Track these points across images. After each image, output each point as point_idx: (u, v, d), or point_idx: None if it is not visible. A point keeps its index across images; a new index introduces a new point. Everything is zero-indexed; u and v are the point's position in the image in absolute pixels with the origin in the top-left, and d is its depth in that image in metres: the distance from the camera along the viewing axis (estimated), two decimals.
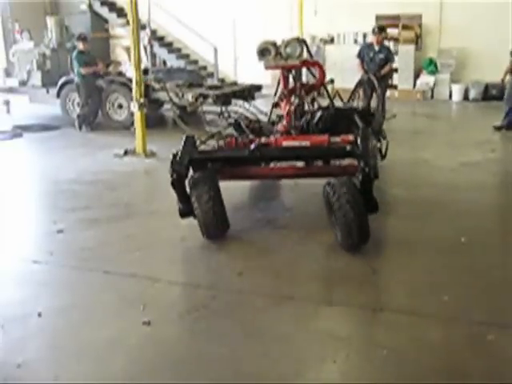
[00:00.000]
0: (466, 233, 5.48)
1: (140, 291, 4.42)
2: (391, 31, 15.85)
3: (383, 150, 6.49)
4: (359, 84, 8.88)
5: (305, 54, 6.78)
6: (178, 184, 5.34)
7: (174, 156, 5.44)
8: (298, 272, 4.72)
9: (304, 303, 4.18)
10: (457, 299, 4.18)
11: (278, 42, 6.23)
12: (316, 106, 6.97)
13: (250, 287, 4.44)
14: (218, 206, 5.29)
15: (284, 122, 6.30)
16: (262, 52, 6.21)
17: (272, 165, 6.23)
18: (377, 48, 10.69)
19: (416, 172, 7.99)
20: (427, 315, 3.97)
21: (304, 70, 8.03)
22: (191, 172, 5.60)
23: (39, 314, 4.03)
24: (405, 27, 16.12)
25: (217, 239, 5.42)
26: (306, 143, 5.78)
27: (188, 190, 5.37)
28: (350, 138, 5.66)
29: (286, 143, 5.81)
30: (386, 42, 12.24)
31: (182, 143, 5.64)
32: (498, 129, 10.77)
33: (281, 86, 6.66)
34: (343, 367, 3.44)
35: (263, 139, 5.88)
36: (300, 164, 6.19)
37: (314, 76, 7.63)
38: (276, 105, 7.00)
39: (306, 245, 5.31)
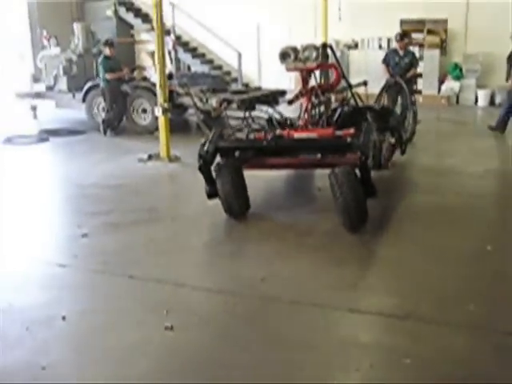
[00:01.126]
0: (492, 241, 5.41)
1: (163, 296, 4.44)
2: (416, 36, 15.75)
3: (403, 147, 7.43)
4: (385, 88, 9.17)
5: (319, 58, 7.16)
6: (204, 169, 6.21)
7: (202, 145, 6.23)
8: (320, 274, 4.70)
9: (327, 309, 4.15)
10: (483, 308, 4.13)
11: (298, 47, 6.90)
12: (334, 103, 7.62)
13: (273, 293, 4.43)
14: (239, 189, 6.11)
15: (304, 117, 6.92)
16: (283, 56, 6.94)
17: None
18: (401, 53, 10.93)
19: (441, 179, 7.90)
20: (452, 324, 3.92)
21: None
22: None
23: (63, 318, 4.06)
24: (430, 32, 16.01)
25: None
26: (313, 135, 6.39)
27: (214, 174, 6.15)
28: (351, 131, 6.20)
29: (297, 135, 6.37)
30: (411, 48, 12.35)
31: (211, 134, 6.39)
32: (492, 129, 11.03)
33: (299, 85, 7.21)
34: (366, 376, 3.40)
35: (278, 131, 6.46)
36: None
37: (345, 77, 7.94)
38: (290, 102, 7.53)
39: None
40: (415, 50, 13.98)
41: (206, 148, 6.22)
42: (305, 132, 6.53)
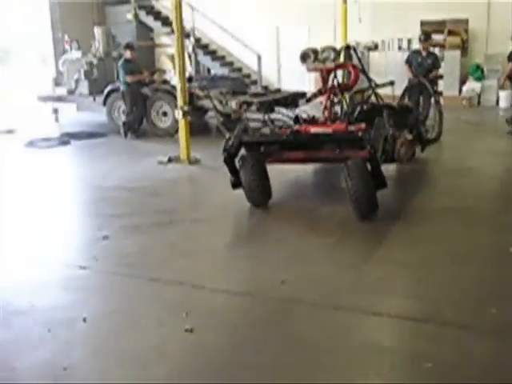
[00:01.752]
0: None
1: (183, 298, 4.45)
2: (436, 37, 15.63)
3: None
4: (407, 88, 9.40)
5: (337, 58, 7.76)
6: (228, 161, 6.71)
7: (227, 139, 6.70)
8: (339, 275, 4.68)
9: (348, 312, 4.13)
10: (505, 311, 4.07)
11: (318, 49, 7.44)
12: (354, 102, 7.91)
13: (293, 295, 4.42)
14: (261, 180, 6.60)
15: (325, 114, 7.38)
16: (304, 57, 7.53)
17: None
18: (424, 54, 11.10)
19: (462, 180, 7.83)
20: (475, 328, 3.88)
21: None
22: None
23: (84, 319, 4.10)
24: (451, 33, 15.85)
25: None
26: (328, 130, 6.68)
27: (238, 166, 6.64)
28: (363, 126, 6.51)
29: (313, 130, 6.68)
30: (431, 48, 12.39)
31: (236, 129, 6.85)
32: None
33: (317, 84, 7.85)
34: (387, 380, 3.37)
35: (296, 127, 6.88)
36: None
37: (369, 78, 8.29)
38: (308, 100, 8.20)
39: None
40: (435, 50, 13.92)
41: (230, 142, 6.67)
42: (320, 127, 6.86)
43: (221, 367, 3.51)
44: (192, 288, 4.61)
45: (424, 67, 10.93)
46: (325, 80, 7.62)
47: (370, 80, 8.10)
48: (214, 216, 6.55)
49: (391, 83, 8.48)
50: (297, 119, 7.39)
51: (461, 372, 3.38)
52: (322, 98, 7.67)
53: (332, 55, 7.44)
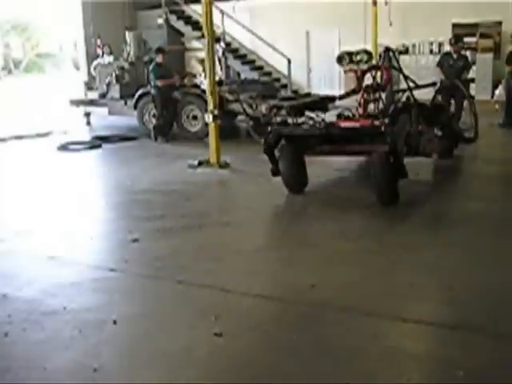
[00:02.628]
0: None
1: (212, 302, 4.45)
2: (469, 40, 15.42)
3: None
4: (439, 90, 9.69)
5: (370, 60, 8.47)
6: (268, 152, 7.48)
7: (269, 132, 7.47)
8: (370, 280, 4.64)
9: (378, 318, 4.09)
10: None
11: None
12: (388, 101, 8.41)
13: (323, 300, 4.39)
14: (297, 169, 7.40)
15: (359, 111, 7.91)
16: (340, 59, 8.34)
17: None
18: (455, 56, 11.39)
19: (498, 186, 7.71)
20: (508, 336, 3.79)
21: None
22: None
23: (114, 321, 4.12)
24: (483, 36, 15.65)
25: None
26: (356, 125, 7.25)
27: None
28: (386, 121, 6.93)
29: (343, 124, 7.29)
30: (463, 52, 12.47)
31: (277, 122, 7.58)
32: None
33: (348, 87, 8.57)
34: None
35: (329, 121, 7.45)
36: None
37: (406, 78, 8.80)
38: (341, 98, 8.81)
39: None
40: (467, 53, 13.88)
41: (270, 135, 7.44)
42: (349, 122, 7.41)
43: (249, 372, 3.49)
44: (221, 291, 4.61)
45: (455, 69, 11.10)
46: (359, 80, 8.19)
47: (407, 80, 8.57)
48: (243, 219, 6.56)
49: (433, 84, 9.14)
50: (339, 115, 7.86)
51: (494, 381, 3.31)
52: (357, 97, 8.21)
53: (365, 57, 8.11)
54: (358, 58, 8.11)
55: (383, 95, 8.39)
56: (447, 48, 12.01)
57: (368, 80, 8.35)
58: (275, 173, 7.54)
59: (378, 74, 8.44)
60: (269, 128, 7.49)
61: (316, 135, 7.40)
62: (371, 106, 8.17)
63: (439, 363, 3.55)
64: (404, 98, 8.31)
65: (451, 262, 5.08)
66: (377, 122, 6.98)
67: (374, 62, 8.76)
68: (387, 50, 8.84)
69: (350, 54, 8.18)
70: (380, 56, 8.56)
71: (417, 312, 4.20)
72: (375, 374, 3.44)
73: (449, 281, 4.66)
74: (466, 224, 6.12)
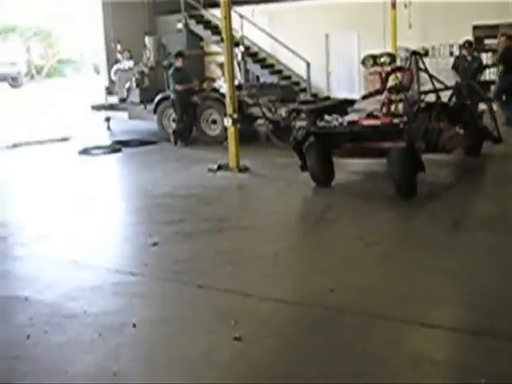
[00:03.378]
0: None
1: (232, 306, 4.45)
2: (489, 42, 15.28)
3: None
4: (455, 91, 9.88)
5: (393, 62, 9.07)
6: (297, 148, 8.04)
7: (297, 130, 8.28)
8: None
9: (398, 323, 4.06)
10: None
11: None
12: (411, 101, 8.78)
13: (342, 304, 4.37)
14: (324, 164, 7.93)
15: (383, 110, 8.38)
16: (364, 62, 8.85)
17: None
18: (469, 59, 12.20)
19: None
20: None
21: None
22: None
23: (134, 325, 4.14)
24: (504, 37, 15.44)
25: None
26: (377, 122, 7.81)
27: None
28: (404, 119, 7.49)
29: (365, 122, 7.89)
30: (475, 54, 13.11)
31: (307, 121, 8.58)
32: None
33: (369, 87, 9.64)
34: None
35: (352, 119, 8.19)
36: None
37: (432, 80, 9.18)
38: (364, 97, 9.35)
39: None
40: (488, 56, 14.65)
41: (299, 132, 8.09)
42: (371, 120, 7.96)
43: (268, 377, 3.49)
44: (240, 295, 4.61)
45: (470, 71, 11.77)
46: (383, 81, 8.66)
47: (433, 82, 9.02)
48: (263, 223, 6.56)
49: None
50: (368, 115, 8.44)
51: None
52: (381, 97, 8.72)
53: (388, 60, 8.66)
54: (382, 60, 8.60)
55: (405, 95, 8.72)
56: (459, 51, 13.05)
57: (391, 81, 8.95)
58: (303, 168, 8.07)
59: (401, 75, 8.94)
60: (297, 126, 8.27)
61: (340, 133, 7.89)
62: (395, 106, 8.68)
63: (460, 369, 3.50)
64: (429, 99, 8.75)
65: (471, 266, 5.03)
66: (396, 120, 7.51)
67: (397, 64, 9.43)
68: (414, 53, 9.20)
69: (373, 56, 8.66)
70: (406, 58, 9.09)
71: (436, 317, 4.16)
72: (396, 379, 3.41)
73: (469, 285, 4.62)
74: (487, 227, 6.05)
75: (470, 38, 14.13)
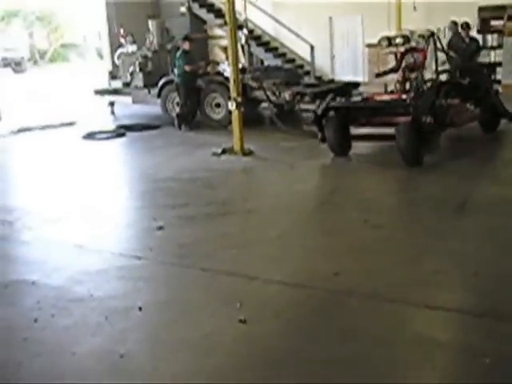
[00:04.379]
0: None
1: (236, 289, 4.48)
2: (495, 23, 15.13)
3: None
4: (453, 72, 10.21)
5: (408, 43, 9.49)
6: (316, 121, 8.69)
7: (318, 105, 8.88)
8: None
9: (403, 305, 4.08)
10: None
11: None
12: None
13: (347, 286, 4.39)
14: (341, 136, 8.57)
15: (397, 87, 9.20)
16: (380, 42, 9.50)
17: None
18: (467, 40, 12.65)
19: None
20: None
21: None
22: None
23: (140, 308, 4.18)
24: (511, 18, 15.31)
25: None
26: (388, 98, 8.74)
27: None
28: (412, 95, 8.22)
29: (377, 98, 8.82)
30: (490, 35, 14.03)
31: (327, 98, 8.87)
32: None
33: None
34: (444, 374, 3.31)
35: (366, 95, 9.26)
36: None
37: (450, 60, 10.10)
38: (378, 75, 10.20)
39: None
40: (494, 37, 14.63)
41: (319, 107, 8.71)
42: (382, 96, 8.86)
43: (273, 359, 3.51)
44: (245, 279, 4.63)
45: (468, 53, 12.26)
46: (398, 61, 9.37)
47: (450, 62, 9.85)
48: (267, 207, 6.57)
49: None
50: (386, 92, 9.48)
51: None
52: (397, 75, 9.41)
53: (403, 41, 9.28)
54: (397, 41, 9.28)
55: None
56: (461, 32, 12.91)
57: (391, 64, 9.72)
58: (323, 140, 8.68)
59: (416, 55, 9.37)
60: (320, 102, 8.90)
61: (356, 107, 8.85)
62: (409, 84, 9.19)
63: (465, 350, 3.53)
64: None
65: (476, 249, 5.03)
66: (404, 96, 8.28)
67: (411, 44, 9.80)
68: (432, 34, 9.65)
69: (388, 37, 9.43)
70: (423, 38, 9.49)
71: (441, 299, 4.18)
72: (399, 361, 3.44)
73: (474, 268, 4.63)
74: (492, 210, 6.05)
75: (476, 19, 14.45)
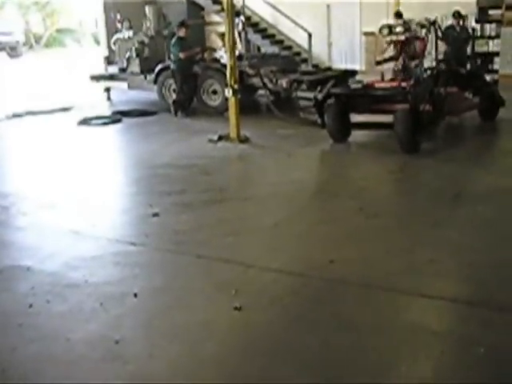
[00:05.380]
0: None
1: (232, 276, 4.48)
2: (493, 12, 15.09)
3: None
4: (444, 60, 10.65)
5: (408, 31, 9.76)
6: (317, 107, 8.84)
7: (319, 91, 8.84)
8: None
9: (398, 294, 4.09)
10: None
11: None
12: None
13: (342, 275, 4.39)
14: (340, 122, 8.66)
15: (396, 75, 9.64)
16: (381, 30, 9.62)
17: None
18: (458, 29, 12.90)
19: None
20: None
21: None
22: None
23: (135, 295, 4.17)
24: (509, 8, 15.26)
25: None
26: (387, 85, 8.88)
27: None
28: (411, 83, 8.26)
29: (377, 85, 8.94)
30: (488, 25, 14.24)
31: (328, 84, 8.94)
32: None
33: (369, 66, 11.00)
34: (438, 364, 3.32)
35: (366, 82, 9.15)
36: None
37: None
38: (378, 63, 10.52)
39: None
40: (492, 27, 14.71)
41: (319, 93, 8.78)
42: (382, 83, 9.02)
43: (267, 347, 3.52)
44: (241, 266, 4.63)
45: (459, 41, 12.60)
46: (398, 49, 9.67)
47: (450, 50, 10.41)
48: (263, 194, 6.56)
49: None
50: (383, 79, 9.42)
51: None
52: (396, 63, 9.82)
53: (403, 29, 9.52)
54: (398, 29, 9.50)
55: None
56: (452, 20, 13.16)
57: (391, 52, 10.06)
58: (323, 125, 8.79)
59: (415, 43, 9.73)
60: (321, 89, 8.89)
61: (357, 94, 8.87)
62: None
63: (459, 339, 3.54)
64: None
65: (472, 239, 5.04)
66: (403, 84, 8.37)
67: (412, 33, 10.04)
68: (434, 22, 9.79)
69: (389, 26, 9.67)
70: (422, 26, 9.72)
71: (437, 288, 4.19)
72: (393, 349, 3.45)
73: (469, 257, 4.64)
74: (487, 199, 6.06)
75: (474, 8, 14.57)
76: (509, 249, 4.82)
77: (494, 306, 3.87)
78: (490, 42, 15.09)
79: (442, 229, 5.31)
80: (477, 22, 14.98)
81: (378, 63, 10.45)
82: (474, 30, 14.36)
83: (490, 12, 14.93)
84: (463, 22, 13.27)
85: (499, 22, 15.17)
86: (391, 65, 10.65)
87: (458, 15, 13.01)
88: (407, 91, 8.05)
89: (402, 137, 7.77)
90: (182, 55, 11.61)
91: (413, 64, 9.52)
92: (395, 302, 4.01)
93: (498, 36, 14.78)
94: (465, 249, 4.84)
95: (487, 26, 15.10)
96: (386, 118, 8.20)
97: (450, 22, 15.98)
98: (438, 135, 8.61)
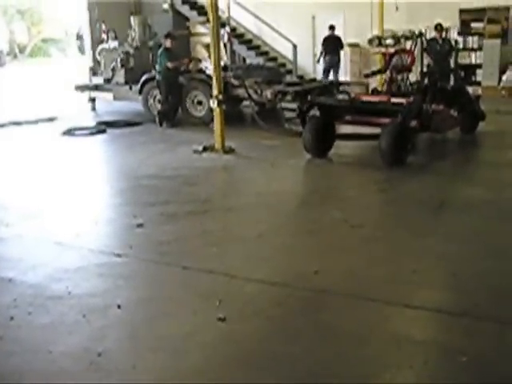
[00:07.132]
0: None
1: (216, 287, 4.46)
2: (476, 25, 15.29)
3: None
4: (428, 73, 10.60)
5: (397, 44, 10.14)
6: (301, 116, 8.83)
7: (304, 101, 8.94)
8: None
9: (382, 304, 4.10)
10: None
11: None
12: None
13: (326, 285, 4.40)
14: (320, 136, 8.39)
15: (384, 88, 9.71)
16: (370, 42, 10.07)
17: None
18: (440, 41, 12.97)
19: (503, 174, 7.68)
20: None
21: None
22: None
23: (118, 306, 4.14)
24: (490, 21, 15.48)
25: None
26: (375, 99, 8.73)
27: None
28: (411, 100, 8.29)
29: (364, 98, 8.92)
30: (470, 37, 14.45)
31: (312, 94, 9.36)
32: None
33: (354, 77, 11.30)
34: (421, 373, 3.33)
35: (353, 95, 9.26)
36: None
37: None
38: (366, 75, 10.74)
39: None
40: (475, 39, 15.02)
41: (303, 103, 8.86)
42: (370, 97, 8.97)
43: (252, 358, 3.51)
44: (225, 277, 4.62)
45: (442, 53, 12.60)
46: (386, 61, 9.73)
47: (435, 64, 10.41)
48: (248, 205, 6.56)
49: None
50: (373, 91, 9.58)
51: (498, 367, 3.32)
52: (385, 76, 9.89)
53: (392, 42, 9.70)
54: (387, 42, 9.65)
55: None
56: (434, 33, 13.28)
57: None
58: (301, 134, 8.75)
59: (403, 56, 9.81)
60: (306, 99, 8.96)
61: (343, 106, 8.87)
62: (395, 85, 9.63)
63: (442, 349, 3.55)
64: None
65: (455, 249, 5.07)
66: (395, 100, 8.38)
67: (401, 46, 10.25)
68: (420, 35, 10.03)
69: (379, 37, 9.89)
70: (399, 40, 9.79)
71: (420, 298, 4.21)
72: (377, 359, 3.45)
73: (453, 267, 4.66)
74: (470, 209, 6.11)
75: (457, 21, 14.81)
76: (492, 258, 4.85)
77: (478, 315, 3.89)
78: (473, 54, 15.28)
79: (426, 239, 5.35)
80: (459, 34, 15.18)
81: (367, 76, 10.66)
82: (456, 42, 14.51)
83: (473, 25, 15.14)
84: (446, 34, 13.51)
85: (481, 34, 15.38)
86: (377, 77, 10.86)
87: (440, 28, 13.13)
88: (397, 108, 8.02)
89: (387, 151, 7.71)
90: (169, 65, 11.64)
91: (399, 77, 9.60)
92: (379, 312, 4.02)
93: (480, 48, 14.98)
94: (448, 258, 4.87)
95: (470, 39, 15.32)
96: (371, 131, 8.26)
97: (433, 34, 16.30)
98: (420, 148, 8.65)
